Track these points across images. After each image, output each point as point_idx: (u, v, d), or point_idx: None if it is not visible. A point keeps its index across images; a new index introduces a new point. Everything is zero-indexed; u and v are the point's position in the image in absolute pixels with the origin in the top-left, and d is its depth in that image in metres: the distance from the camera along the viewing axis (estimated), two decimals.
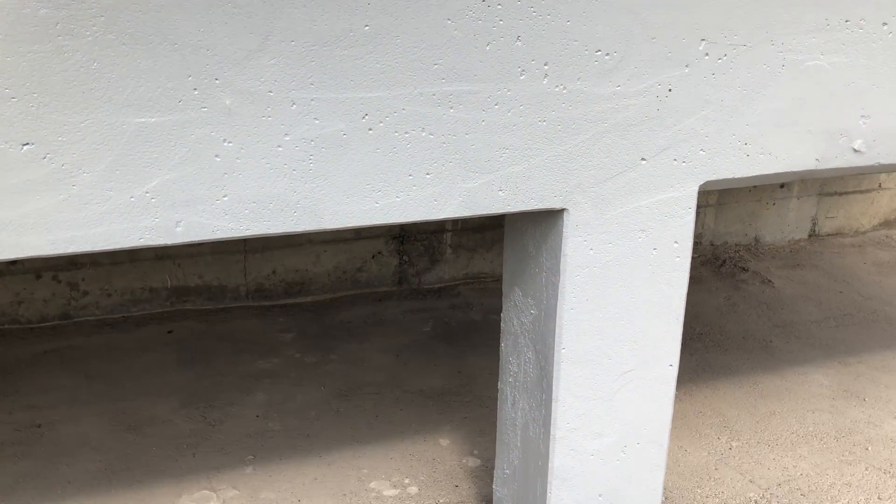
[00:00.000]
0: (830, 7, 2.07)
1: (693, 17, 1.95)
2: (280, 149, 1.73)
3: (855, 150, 2.25)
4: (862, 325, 4.67)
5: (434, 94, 1.81)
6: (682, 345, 2.36)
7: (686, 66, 1.99)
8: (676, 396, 2.49)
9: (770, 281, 5.32)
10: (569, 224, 2.04)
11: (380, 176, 1.83)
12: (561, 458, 2.29)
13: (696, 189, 2.13)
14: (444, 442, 3.42)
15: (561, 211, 2.03)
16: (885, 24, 2.15)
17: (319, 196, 1.80)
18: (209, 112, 1.65)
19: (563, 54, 1.87)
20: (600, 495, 2.39)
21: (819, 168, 2.24)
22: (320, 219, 1.82)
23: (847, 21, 2.10)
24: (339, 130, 1.76)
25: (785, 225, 5.89)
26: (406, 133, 1.82)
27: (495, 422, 3.57)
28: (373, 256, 4.90)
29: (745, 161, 2.15)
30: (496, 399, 3.75)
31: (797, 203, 5.88)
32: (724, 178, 2.14)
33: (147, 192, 1.67)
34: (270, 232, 1.79)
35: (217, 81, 1.64)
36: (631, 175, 2.05)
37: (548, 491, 2.32)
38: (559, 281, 2.10)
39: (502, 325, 2.49)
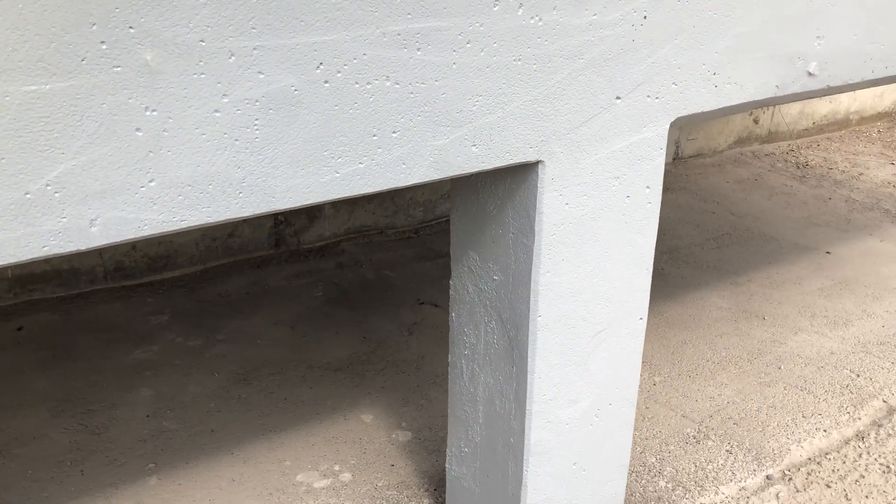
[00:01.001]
0: None
1: None
2: (218, 114, 1.35)
3: (809, 74, 2.14)
4: (741, 244, 4.80)
5: (399, 34, 1.48)
6: None
7: None
8: None
9: None
10: (544, 178, 1.79)
11: (339, 139, 1.49)
12: (538, 432, 2.09)
13: (667, 127, 1.94)
14: (367, 418, 3.15)
15: (535, 164, 1.77)
16: None
17: (269, 170, 1.43)
18: (124, 72, 1.24)
19: None
20: (575, 464, 2.23)
21: (778, 95, 2.11)
22: (271, 198, 1.46)
23: None
24: (289, 86, 1.40)
25: None
26: (368, 84, 1.48)
27: (417, 388, 3.34)
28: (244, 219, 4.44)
29: (714, 93, 1.98)
30: (412, 363, 3.52)
31: None
32: (693, 112, 1.97)
33: (48, 185, 1.24)
34: (211, 220, 1.41)
35: (132, 31, 1.23)
36: (606, 117, 1.82)
37: (524, 468, 2.12)
38: (533, 242, 1.86)
39: (452, 293, 2.23)
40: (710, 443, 3.04)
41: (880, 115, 7.16)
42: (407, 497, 2.73)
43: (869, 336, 3.78)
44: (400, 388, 3.33)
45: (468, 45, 1.56)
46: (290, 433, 3.05)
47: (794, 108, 6.53)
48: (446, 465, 2.49)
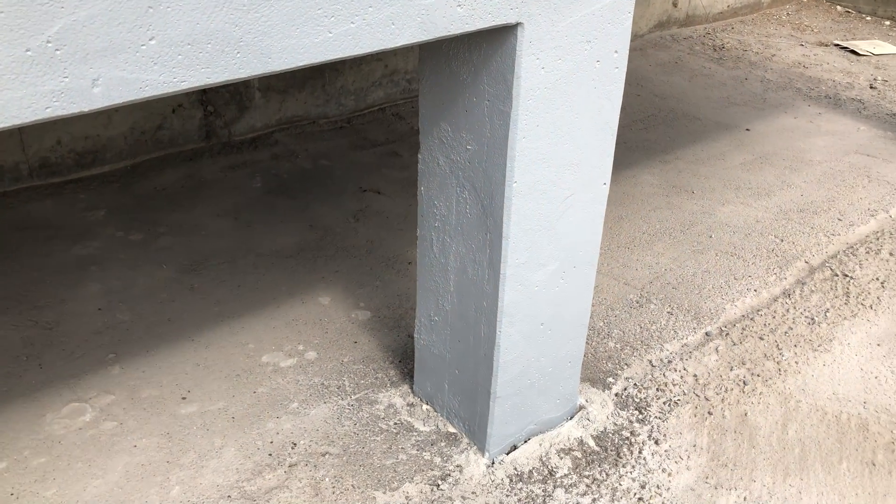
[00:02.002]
0: None
1: None
2: None
3: None
4: (666, 124, 4.96)
5: None
6: None
7: None
8: None
9: None
10: (523, 41, 1.81)
11: None
12: (510, 294, 2.18)
13: None
14: (325, 300, 3.20)
15: (514, 27, 1.79)
16: None
17: (265, 28, 1.41)
18: None
19: None
20: (542, 324, 2.35)
21: None
22: (268, 58, 1.44)
23: None
24: None
25: None
26: None
27: (370, 271, 3.40)
28: (173, 111, 4.29)
29: None
30: (362, 248, 3.56)
31: None
32: None
33: (49, 42, 1.20)
34: (210, 82, 1.39)
35: None
36: None
37: (497, 330, 2.23)
38: (510, 108, 1.90)
39: (421, 166, 2.26)
40: (652, 306, 3.23)
41: None
42: (373, 370, 2.82)
43: (789, 204, 4.03)
44: (353, 272, 3.38)
45: None
46: (249, 318, 3.08)
47: None
48: (415, 335, 2.58)
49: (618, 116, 2.16)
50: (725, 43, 6.43)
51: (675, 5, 6.47)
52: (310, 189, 4.03)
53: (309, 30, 1.47)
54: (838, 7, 7.42)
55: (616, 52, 2.03)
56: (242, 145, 4.48)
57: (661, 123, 4.97)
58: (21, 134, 3.83)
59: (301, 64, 1.49)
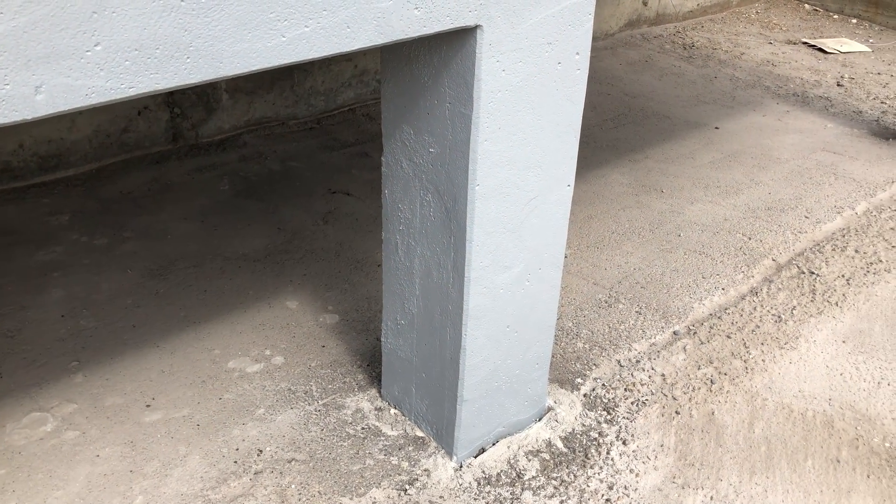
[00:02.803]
0: None
1: None
2: None
3: None
4: (636, 123, 4.98)
5: None
6: None
7: None
8: None
9: None
10: (482, 43, 1.80)
11: (285, 0, 1.45)
12: (475, 297, 2.17)
13: None
14: (292, 304, 3.17)
15: (474, 29, 1.78)
16: None
17: (216, 33, 1.39)
18: None
19: None
20: (508, 326, 2.34)
21: None
22: (219, 64, 1.41)
23: None
24: None
25: None
26: None
27: (338, 273, 3.37)
28: (138, 113, 4.23)
29: None
30: (331, 251, 3.53)
31: None
32: None
33: None
34: (160, 87, 1.36)
35: None
36: None
37: (462, 333, 2.22)
38: (471, 111, 1.88)
39: (384, 169, 2.24)
40: (620, 306, 3.23)
41: None
42: (341, 374, 2.80)
43: (757, 202, 4.06)
44: (322, 275, 3.35)
45: None
46: (216, 323, 3.04)
47: None
48: (382, 339, 2.56)
49: (580, 118, 2.15)
50: (695, 41, 6.46)
51: (645, 4, 6.49)
52: (278, 191, 3.99)
53: (261, 34, 1.44)
54: (806, 5, 7.49)
55: (578, 53, 2.02)
56: (210, 147, 4.43)
57: (631, 122, 4.99)
58: None
59: (254, 69, 1.47)
